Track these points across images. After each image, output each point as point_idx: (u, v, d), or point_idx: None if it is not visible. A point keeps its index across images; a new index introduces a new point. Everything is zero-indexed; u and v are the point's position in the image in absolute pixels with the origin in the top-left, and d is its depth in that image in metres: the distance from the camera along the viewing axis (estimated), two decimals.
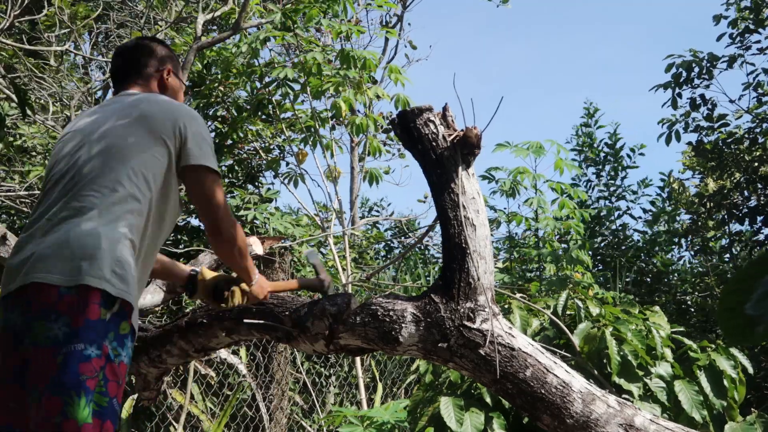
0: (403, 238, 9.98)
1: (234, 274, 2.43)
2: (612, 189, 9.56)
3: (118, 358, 1.88)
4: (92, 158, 2.08)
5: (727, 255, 9.08)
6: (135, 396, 4.28)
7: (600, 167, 9.69)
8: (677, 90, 8.07)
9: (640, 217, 9.71)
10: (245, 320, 2.45)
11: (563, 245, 6.52)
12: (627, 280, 8.18)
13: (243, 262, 2.30)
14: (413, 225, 10.26)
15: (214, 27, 7.30)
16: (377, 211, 13.13)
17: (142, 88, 2.34)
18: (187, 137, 2.13)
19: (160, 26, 6.50)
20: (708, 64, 7.93)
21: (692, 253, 9.52)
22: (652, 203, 9.65)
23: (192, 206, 6.12)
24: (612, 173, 9.60)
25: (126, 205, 2.01)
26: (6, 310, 1.92)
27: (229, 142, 6.50)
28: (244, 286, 2.39)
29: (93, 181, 2.03)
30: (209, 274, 2.47)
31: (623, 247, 9.09)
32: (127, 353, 1.93)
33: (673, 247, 9.34)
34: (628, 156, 9.53)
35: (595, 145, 9.72)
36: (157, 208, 2.10)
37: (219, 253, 2.28)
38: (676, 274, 9.28)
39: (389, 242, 9.86)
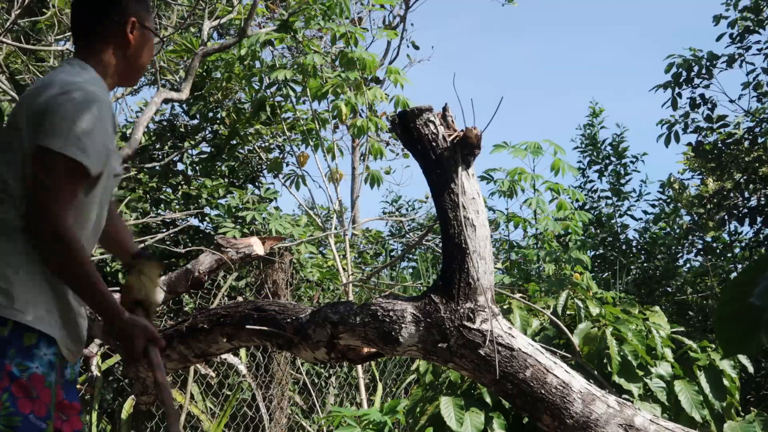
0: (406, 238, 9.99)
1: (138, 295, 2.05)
2: (616, 191, 9.56)
3: (27, 372, 1.75)
4: None
5: (726, 255, 9.08)
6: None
7: (603, 168, 9.70)
8: (677, 90, 8.07)
9: (641, 219, 9.73)
10: (247, 326, 2.43)
11: (563, 245, 6.52)
12: (627, 279, 8.18)
13: (65, 277, 1.84)
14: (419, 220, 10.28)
15: (216, 33, 7.32)
16: (406, 210, 13.07)
17: (88, 51, 1.98)
18: (41, 120, 1.81)
19: (165, 30, 6.51)
20: (707, 63, 7.93)
21: (694, 252, 9.53)
22: (653, 205, 9.67)
23: (192, 207, 6.12)
24: (614, 175, 9.60)
25: (6, 206, 1.83)
26: None
27: (233, 142, 6.50)
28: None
29: None
30: (133, 281, 2.08)
31: (623, 248, 9.09)
32: (41, 362, 1.78)
33: (674, 248, 9.34)
34: (632, 162, 9.54)
35: (599, 146, 9.73)
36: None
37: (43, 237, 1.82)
38: (678, 276, 9.28)
39: (399, 240, 9.86)
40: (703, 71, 7.96)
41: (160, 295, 2.10)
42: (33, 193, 1.80)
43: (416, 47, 10.48)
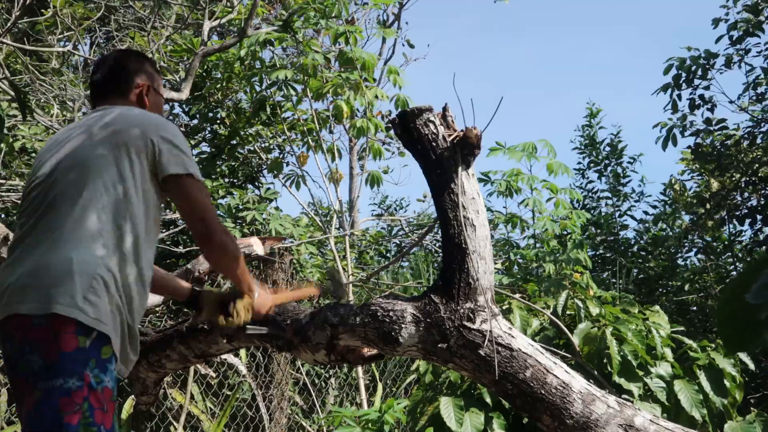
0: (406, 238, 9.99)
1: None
2: (615, 190, 9.57)
3: (101, 384, 1.84)
4: (62, 179, 2.01)
5: (726, 255, 9.08)
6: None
7: (602, 168, 9.70)
8: (677, 92, 8.06)
9: (641, 219, 9.73)
10: (247, 327, 2.44)
11: (562, 245, 6.52)
12: (627, 279, 8.18)
13: (237, 269, 2.25)
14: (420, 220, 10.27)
15: (216, 33, 7.31)
16: (394, 210, 13.08)
17: (119, 103, 2.27)
18: (160, 148, 2.05)
19: (165, 31, 6.51)
20: (705, 63, 7.91)
21: (694, 252, 9.53)
22: (654, 206, 9.67)
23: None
24: (613, 175, 9.60)
25: (99, 225, 1.94)
26: (2, 340, 1.89)
27: (233, 142, 6.50)
28: (247, 299, 2.35)
29: (63, 203, 1.97)
30: (213, 291, 2.42)
31: (623, 248, 9.09)
32: (111, 377, 1.88)
33: (673, 248, 9.34)
34: (629, 163, 9.55)
35: (598, 146, 9.73)
36: (140, 221, 2.02)
37: (212, 262, 2.24)
38: (678, 275, 9.28)
39: (400, 240, 9.85)
40: (700, 72, 7.94)
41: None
42: (191, 217, 2.12)
43: (411, 46, 10.50)
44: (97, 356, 1.84)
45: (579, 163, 9.80)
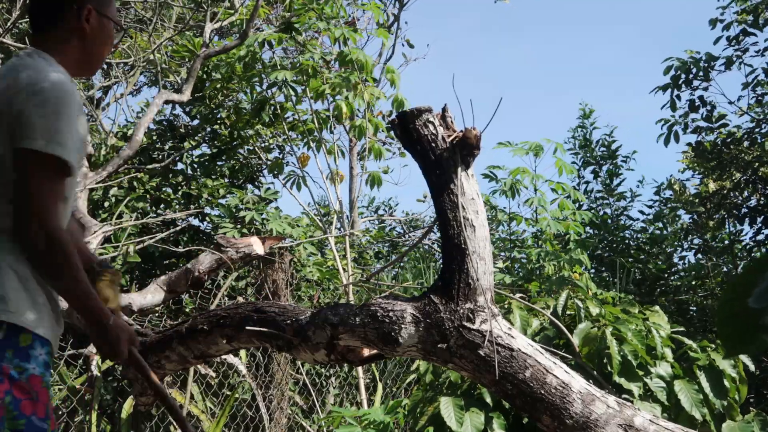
0: (404, 237, 9.99)
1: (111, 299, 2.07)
2: (610, 189, 9.57)
3: (25, 373, 1.75)
4: None
5: (726, 256, 9.08)
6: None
7: (597, 168, 9.69)
8: (676, 92, 8.06)
9: (638, 219, 9.72)
10: (247, 328, 2.43)
11: (563, 245, 6.53)
12: (627, 279, 8.18)
13: (59, 281, 1.84)
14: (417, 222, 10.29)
15: (216, 34, 7.31)
16: (384, 211, 13.10)
17: (52, 38, 1.97)
18: (22, 113, 1.78)
19: (166, 32, 6.51)
20: (705, 65, 7.92)
21: (693, 252, 9.53)
22: (649, 206, 9.67)
23: (192, 206, 6.12)
24: (608, 175, 9.60)
25: None
26: None
27: (234, 143, 6.50)
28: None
29: None
30: (107, 291, 2.08)
31: (623, 247, 9.09)
32: (37, 363, 1.78)
33: (674, 248, 9.34)
34: (623, 162, 9.54)
35: (592, 146, 9.72)
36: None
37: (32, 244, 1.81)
38: (677, 275, 9.28)
39: (394, 241, 9.87)
40: (701, 73, 7.95)
41: (123, 302, 2.10)
42: (21, 197, 1.78)
43: (411, 46, 10.51)
44: (13, 345, 1.75)
45: (573, 162, 9.80)
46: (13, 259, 1.80)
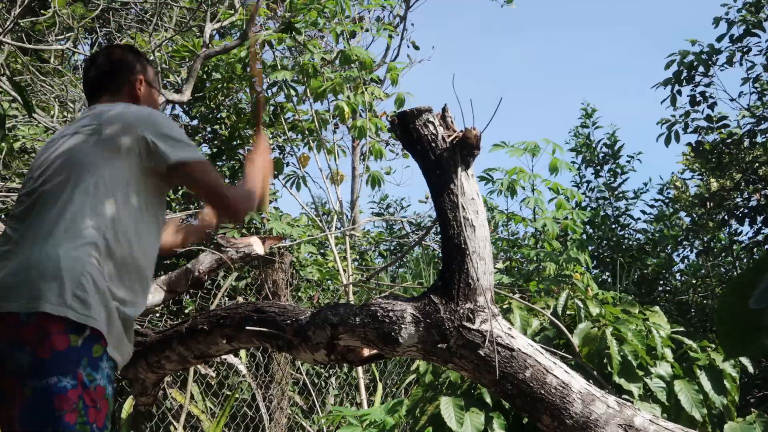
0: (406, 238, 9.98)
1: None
2: (611, 190, 9.56)
3: (94, 383, 1.84)
4: (53, 177, 2.03)
5: (724, 256, 9.08)
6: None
7: (599, 168, 9.69)
8: (677, 87, 8.04)
9: (639, 218, 9.72)
10: (247, 327, 2.43)
11: (562, 245, 6.52)
12: (627, 279, 8.18)
13: (264, 184, 2.36)
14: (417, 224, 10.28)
15: (216, 34, 7.31)
16: (394, 210, 13.06)
17: (113, 100, 2.28)
18: (155, 143, 2.07)
19: (167, 33, 6.51)
20: (707, 58, 7.88)
21: (694, 253, 9.52)
22: (651, 206, 9.66)
23: (192, 206, 6.12)
24: (611, 175, 9.60)
25: (87, 223, 1.94)
26: None
27: (234, 143, 6.50)
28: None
29: (53, 202, 1.97)
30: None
31: (623, 247, 9.09)
32: (102, 375, 1.87)
33: (674, 248, 9.34)
34: (627, 161, 9.54)
35: (594, 146, 9.72)
36: (133, 217, 2.03)
37: (241, 216, 2.33)
38: (677, 276, 9.28)
39: (399, 241, 9.85)
40: (701, 68, 7.93)
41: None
42: (205, 198, 2.25)
43: (416, 47, 10.47)
44: (89, 354, 1.84)
45: (573, 162, 9.79)
46: (98, 270, 1.92)
